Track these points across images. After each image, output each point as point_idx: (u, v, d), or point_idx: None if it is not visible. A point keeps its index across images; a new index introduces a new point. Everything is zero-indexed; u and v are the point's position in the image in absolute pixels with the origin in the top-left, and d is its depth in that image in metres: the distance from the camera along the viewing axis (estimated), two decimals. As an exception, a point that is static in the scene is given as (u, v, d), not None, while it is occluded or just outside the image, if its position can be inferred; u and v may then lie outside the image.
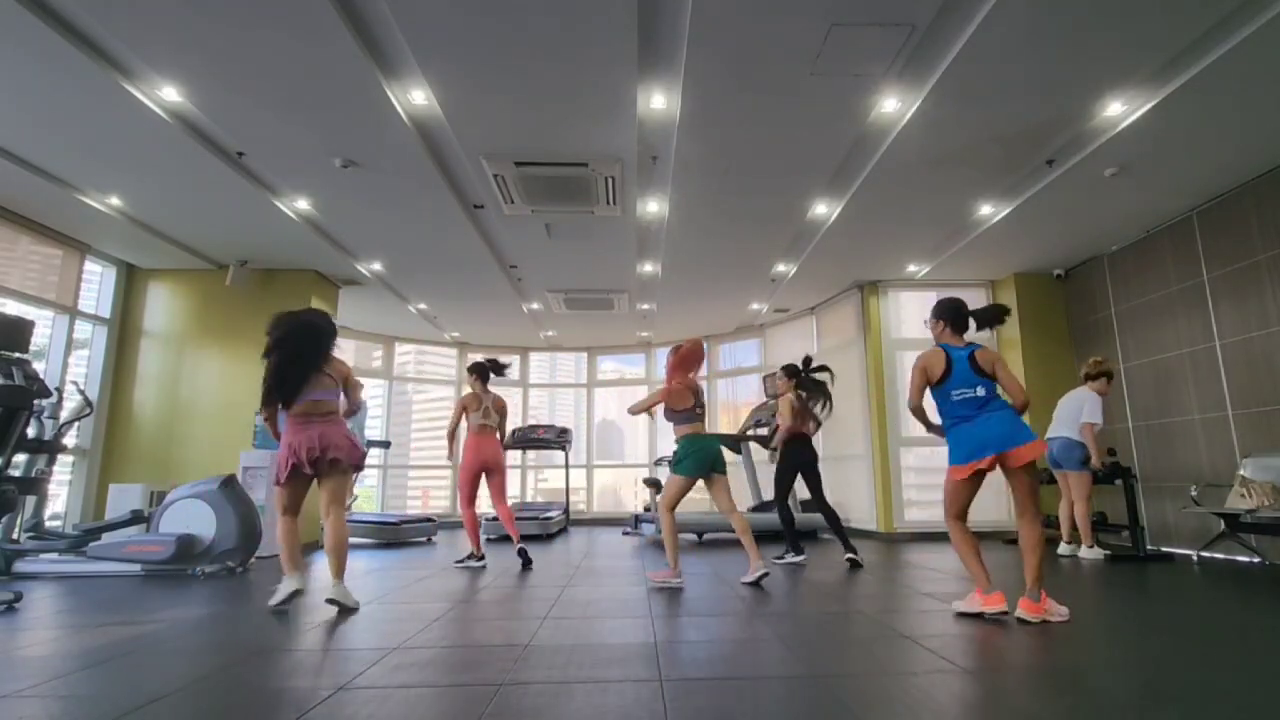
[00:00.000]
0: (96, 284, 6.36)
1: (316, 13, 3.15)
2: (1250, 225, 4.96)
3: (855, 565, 4.70)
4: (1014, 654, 2.41)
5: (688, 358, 4.13)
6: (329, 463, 3.33)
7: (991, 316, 3.30)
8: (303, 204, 5.32)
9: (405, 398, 10.43)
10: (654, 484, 7.79)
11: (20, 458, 4.45)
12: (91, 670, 2.26)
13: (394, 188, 5.00)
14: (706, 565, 4.96)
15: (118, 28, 3.32)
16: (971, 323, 3.25)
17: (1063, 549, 5.39)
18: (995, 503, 6.94)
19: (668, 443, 8.95)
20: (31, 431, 4.41)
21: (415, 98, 3.94)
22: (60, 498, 5.93)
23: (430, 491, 10.34)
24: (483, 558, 5.03)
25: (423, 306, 8.34)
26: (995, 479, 3.19)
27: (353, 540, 7.09)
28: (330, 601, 3.22)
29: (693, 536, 7.22)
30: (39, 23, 3.17)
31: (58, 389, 5.12)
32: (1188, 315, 5.51)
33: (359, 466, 3.53)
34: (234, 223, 5.60)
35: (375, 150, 4.46)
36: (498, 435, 5.20)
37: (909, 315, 7.62)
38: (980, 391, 3.04)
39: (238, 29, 3.30)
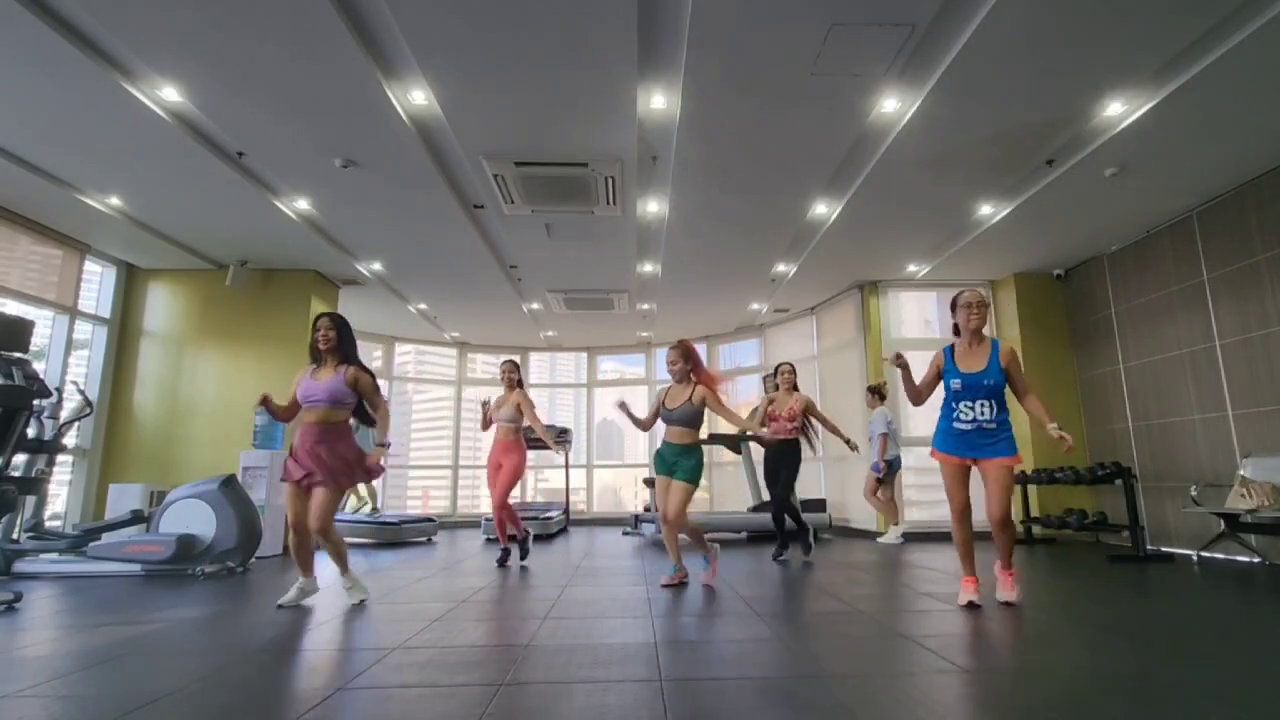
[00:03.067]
0: (96, 284, 6.36)
1: (317, 13, 3.15)
2: (1250, 225, 4.96)
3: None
4: (1014, 654, 2.41)
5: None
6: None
7: None
8: (303, 204, 5.32)
9: (405, 398, 10.43)
10: (653, 484, 7.79)
11: (20, 458, 4.45)
12: (91, 670, 2.26)
13: (394, 188, 5.00)
14: (706, 565, 4.95)
15: (118, 28, 3.32)
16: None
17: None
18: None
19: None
20: (31, 431, 4.41)
21: (415, 98, 3.94)
22: (60, 498, 5.93)
23: (430, 492, 10.35)
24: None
25: (423, 306, 8.34)
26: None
27: (353, 540, 7.11)
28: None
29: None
30: (39, 23, 3.17)
31: (58, 389, 5.12)
32: (1188, 315, 5.51)
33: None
34: (234, 223, 5.60)
35: (375, 150, 4.46)
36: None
37: (909, 315, 7.63)
38: None
39: (238, 29, 3.30)
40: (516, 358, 5.47)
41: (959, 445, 3.21)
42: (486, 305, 8.30)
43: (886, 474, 6.42)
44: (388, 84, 3.77)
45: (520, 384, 5.29)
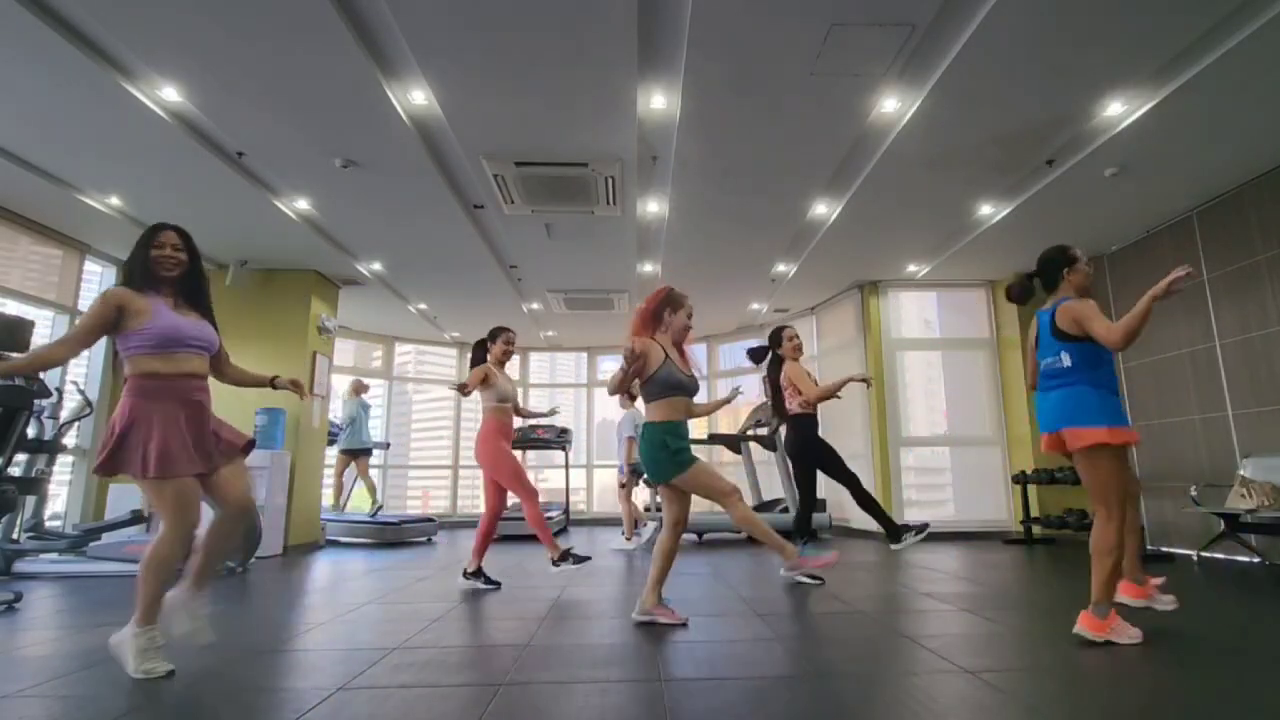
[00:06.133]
0: (96, 284, 6.35)
1: (317, 13, 3.15)
2: (1250, 225, 4.96)
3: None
4: (1014, 655, 2.41)
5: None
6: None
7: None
8: (303, 204, 5.31)
9: (405, 398, 10.43)
10: (658, 487, 7.76)
11: (20, 458, 4.45)
12: (91, 670, 2.26)
13: (394, 188, 5.00)
14: (706, 565, 4.96)
15: (118, 28, 3.32)
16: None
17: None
18: (994, 502, 6.94)
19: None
20: (31, 431, 4.41)
21: (415, 98, 3.94)
22: (60, 498, 5.92)
23: (430, 492, 10.35)
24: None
25: (423, 306, 8.34)
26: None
27: (353, 540, 7.11)
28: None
29: (693, 536, 7.21)
30: (39, 23, 3.17)
31: (58, 389, 5.12)
32: (1188, 315, 5.50)
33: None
34: (234, 223, 5.60)
35: (375, 150, 4.46)
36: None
37: (909, 315, 7.63)
38: (1065, 360, 2.58)
39: (238, 29, 3.30)
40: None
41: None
42: (486, 305, 8.29)
43: (630, 478, 6.23)
44: (388, 84, 3.77)
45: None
